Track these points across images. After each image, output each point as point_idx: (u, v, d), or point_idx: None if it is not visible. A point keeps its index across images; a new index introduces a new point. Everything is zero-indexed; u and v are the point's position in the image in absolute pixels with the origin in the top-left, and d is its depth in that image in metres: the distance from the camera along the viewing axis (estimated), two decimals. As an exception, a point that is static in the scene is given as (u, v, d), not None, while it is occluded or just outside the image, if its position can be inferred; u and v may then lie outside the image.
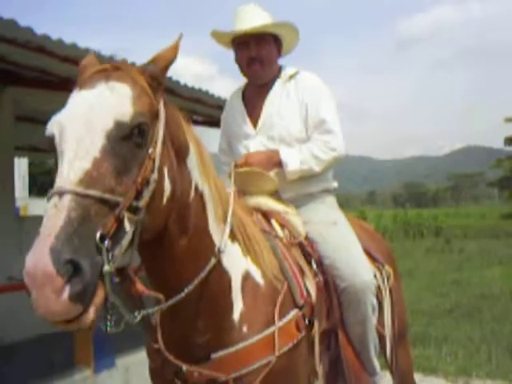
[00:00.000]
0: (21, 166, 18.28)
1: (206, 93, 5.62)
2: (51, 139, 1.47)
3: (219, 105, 5.93)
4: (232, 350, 1.87)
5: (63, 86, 4.25)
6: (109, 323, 1.42)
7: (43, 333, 5.86)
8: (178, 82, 5.22)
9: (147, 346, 2.11)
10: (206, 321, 1.86)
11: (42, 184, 27.31)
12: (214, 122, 6.26)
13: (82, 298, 1.24)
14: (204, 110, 6.11)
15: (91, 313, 1.28)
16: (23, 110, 6.63)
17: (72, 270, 1.22)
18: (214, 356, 1.86)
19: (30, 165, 21.85)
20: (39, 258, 1.20)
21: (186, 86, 5.30)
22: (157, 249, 1.66)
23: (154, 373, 2.10)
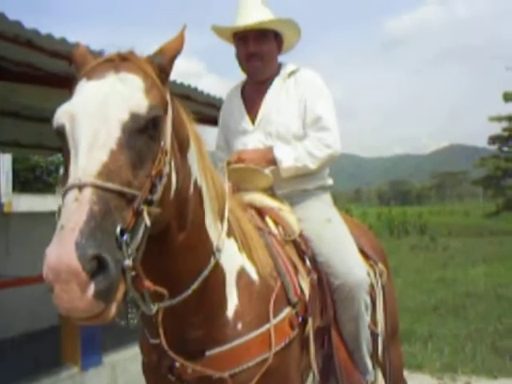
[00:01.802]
0: (4, 161, 18.05)
1: (195, 89, 5.58)
2: (60, 130, 1.44)
3: (208, 102, 5.89)
4: (226, 347, 1.86)
5: (51, 82, 4.21)
6: (130, 317, 1.42)
7: (30, 330, 5.82)
8: (167, 78, 5.17)
9: (141, 342, 2.09)
10: (200, 317, 1.85)
11: (25, 180, 27.01)
12: (203, 119, 6.21)
13: (106, 295, 1.23)
14: (193, 106, 6.06)
15: (113, 308, 1.27)
16: (7, 105, 6.54)
17: (96, 266, 1.20)
18: (208, 353, 1.86)
19: (14, 161, 21.59)
20: (64, 253, 1.17)
21: (174, 82, 5.25)
22: (157, 244, 1.65)
23: (148, 368, 2.09)
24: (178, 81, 5.37)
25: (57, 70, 3.83)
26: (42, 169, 25.47)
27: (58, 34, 3.53)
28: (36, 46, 3.49)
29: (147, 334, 1.99)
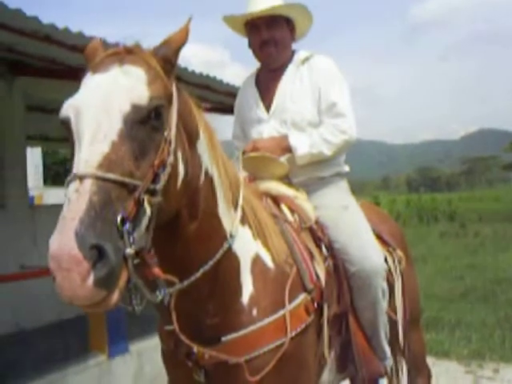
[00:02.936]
0: (34, 155, 18.42)
1: (215, 79, 5.59)
2: (66, 122, 1.47)
3: (229, 91, 5.89)
4: (242, 332, 1.88)
5: (72, 75, 4.27)
6: (135, 304, 1.44)
7: (58, 319, 5.96)
8: (185, 69, 5.19)
9: (159, 329, 2.12)
10: (215, 303, 1.87)
11: (56, 173, 27.53)
12: (224, 109, 6.24)
13: (106, 282, 1.25)
14: (213, 96, 6.09)
15: (115, 296, 1.30)
16: (33, 99, 6.67)
17: (97, 254, 1.22)
18: (224, 339, 1.88)
19: (44, 154, 22.00)
20: (65, 242, 1.20)
21: (193, 72, 5.27)
22: (168, 233, 1.67)
23: (166, 355, 2.13)
24: (202, 71, 5.39)
25: (77, 63, 3.89)
26: (71, 162, 25.90)
27: (74, 28, 3.58)
28: (54, 41, 3.54)
29: (163, 320, 2.02)
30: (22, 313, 5.81)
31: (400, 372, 3.00)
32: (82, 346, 4.62)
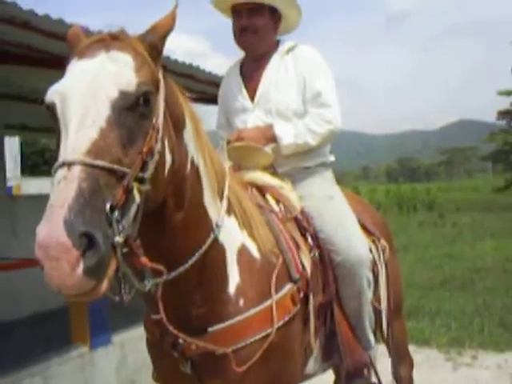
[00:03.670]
0: (12, 145, 18.10)
1: (198, 68, 5.53)
2: (51, 108, 1.44)
3: (212, 81, 5.84)
4: (229, 323, 1.88)
5: (52, 63, 4.19)
6: (124, 293, 1.42)
7: (39, 310, 5.91)
8: (168, 58, 5.13)
9: (145, 319, 2.11)
10: (202, 294, 1.86)
11: (34, 163, 27.15)
12: (206, 99, 6.19)
13: (96, 271, 1.23)
14: (196, 86, 6.04)
15: (104, 285, 1.28)
16: (12, 87, 6.53)
17: (86, 242, 1.21)
18: (210, 329, 1.87)
19: (22, 144, 21.67)
20: (53, 230, 1.18)
21: (177, 61, 5.21)
22: (154, 223, 1.66)
23: (151, 345, 2.12)
24: (184, 60, 5.33)
25: (57, 51, 3.82)
26: (50, 152, 25.61)
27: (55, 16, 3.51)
28: (34, 27, 3.47)
29: (150, 310, 2.00)
30: (2, 304, 5.74)
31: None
32: (63, 338, 4.58)
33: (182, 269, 1.76)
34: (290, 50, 2.64)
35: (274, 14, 2.63)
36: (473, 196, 34.85)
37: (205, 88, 6.13)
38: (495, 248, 11.96)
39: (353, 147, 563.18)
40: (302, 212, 2.45)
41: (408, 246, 12.37)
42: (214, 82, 5.70)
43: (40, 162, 25.86)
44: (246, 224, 2.03)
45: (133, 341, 4.63)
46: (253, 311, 1.91)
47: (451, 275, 9.28)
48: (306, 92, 2.55)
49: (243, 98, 2.67)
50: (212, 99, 4.85)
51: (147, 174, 1.44)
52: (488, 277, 8.93)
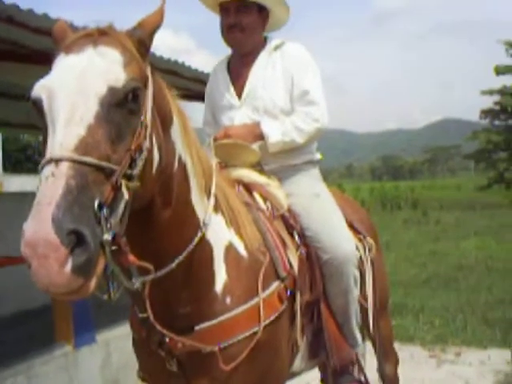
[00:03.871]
0: (-7, 141, 17.85)
1: (183, 65, 5.50)
2: (37, 104, 1.42)
3: (197, 77, 5.81)
4: (216, 321, 1.87)
5: (36, 59, 4.13)
6: (112, 291, 1.41)
7: (22, 309, 5.83)
8: (153, 54, 5.10)
9: (131, 318, 2.09)
10: (189, 292, 1.85)
11: (17, 160, 26.81)
12: (191, 96, 6.16)
13: (85, 269, 1.21)
14: (181, 82, 6.01)
15: (92, 283, 1.26)
16: (-5, 84, 6.45)
17: (75, 240, 1.19)
18: (197, 327, 1.86)
19: (4, 141, 21.39)
20: (41, 228, 1.16)
21: (161, 57, 5.18)
22: (141, 221, 1.64)
23: (138, 344, 2.10)
24: (168, 57, 5.29)
25: (41, 47, 3.77)
26: (33, 149, 25.30)
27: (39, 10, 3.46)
28: (17, 22, 3.42)
29: (136, 309, 1.99)
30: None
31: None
32: (47, 336, 4.52)
33: (169, 267, 1.75)
34: (277, 47, 2.63)
35: (262, 11, 2.62)
36: (456, 194, 35.22)
37: (189, 84, 6.09)
38: (478, 246, 12.10)
39: (337, 145, 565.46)
40: (289, 210, 2.45)
41: (392, 243, 12.45)
42: (199, 78, 5.67)
43: (22, 158, 25.53)
44: (233, 222, 2.02)
45: (117, 339, 4.59)
46: (240, 309, 1.90)
47: (435, 273, 9.36)
48: (294, 90, 2.54)
49: (230, 95, 2.65)
50: (196, 96, 4.83)
51: (136, 171, 1.43)
52: (471, 274, 9.03)
